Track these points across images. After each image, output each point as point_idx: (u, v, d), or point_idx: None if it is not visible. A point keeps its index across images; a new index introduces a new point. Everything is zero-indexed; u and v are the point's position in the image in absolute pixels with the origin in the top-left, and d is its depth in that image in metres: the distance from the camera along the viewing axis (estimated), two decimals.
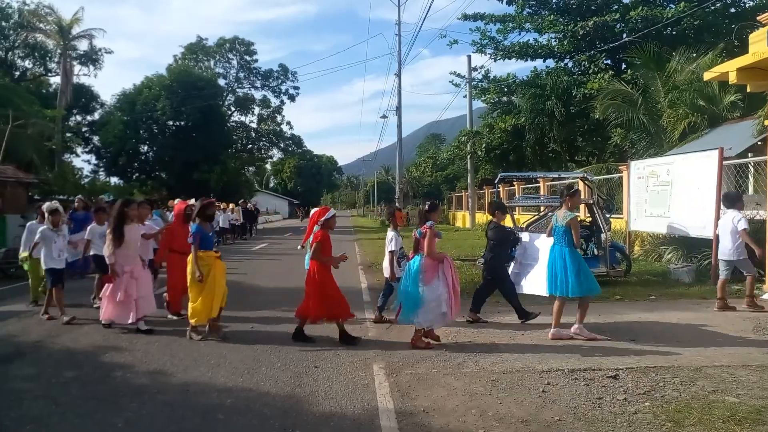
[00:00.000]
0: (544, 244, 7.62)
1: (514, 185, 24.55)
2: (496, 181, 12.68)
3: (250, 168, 62.83)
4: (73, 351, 6.43)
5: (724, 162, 9.96)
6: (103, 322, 7.44)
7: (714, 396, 4.60)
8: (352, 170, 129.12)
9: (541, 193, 19.88)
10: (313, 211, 6.95)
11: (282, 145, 62.34)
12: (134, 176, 45.90)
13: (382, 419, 4.30)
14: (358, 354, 6.10)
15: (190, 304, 6.88)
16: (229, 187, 42.68)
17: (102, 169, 46.40)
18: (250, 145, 59.50)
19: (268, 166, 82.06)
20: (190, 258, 6.90)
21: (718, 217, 9.64)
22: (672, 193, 10.75)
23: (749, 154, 12.07)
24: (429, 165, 40.44)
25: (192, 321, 6.86)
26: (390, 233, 7.78)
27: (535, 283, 7.66)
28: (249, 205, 30.02)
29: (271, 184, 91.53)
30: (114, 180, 45.69)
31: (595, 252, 10.38)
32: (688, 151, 12.02)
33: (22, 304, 9.22)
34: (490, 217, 7.99)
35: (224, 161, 45.05)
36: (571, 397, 4.66)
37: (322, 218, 6.62)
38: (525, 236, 8.41)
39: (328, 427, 4.19)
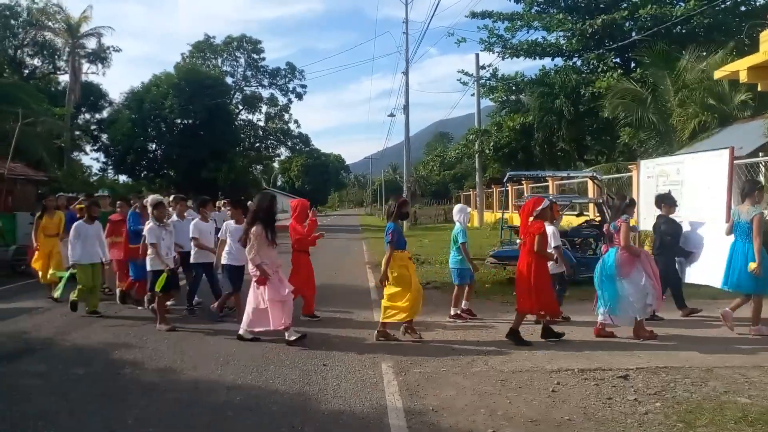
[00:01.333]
0: (707, 231, 7.68)
1: (522, 184, 24.47)
2: (504, 180, 12.64)
3: (258, 166, 62.95)
4: (83, 348, 6.46)
5: (734, 161, 9.88)
6: (246, 335, 6.60)
7: (726, 397, 4.56)
8: (359, 169, 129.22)
9: (551, 192, 19.78)
10: (523, 202, 6.89)
11: (289, 143, 62.37)
12: (142, 174, 46.07)
13: (391, 418, 4.29)
14: (366, 353, 6.10)
15: (395, 303, 6.49)
16: (236, 185, 42.77)
17: (110, 167, 46.64)
18: (257, 144, 59.57)
19: (276, 165, 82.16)
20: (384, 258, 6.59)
21: (729, 217, 9.58)
22: (682, 192, 10.63)
23: (760, 154, 11.97)
24: (437, 164, 40.33)
25: (396, 318, 6.53)
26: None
27: (701, 272, 7.62)
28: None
29: (279, 183, 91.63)
30: (122, 178, 45.96)
31: None
32: (699, 151, 11.92)
33: (31, 301, 9.28)
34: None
35: (232, 159, 45.14)
36: (581, 397, 4.63)
37: (537, 208, 6.48)
38: (686, 225, 8.27)
39: (337, 425, 4.19)
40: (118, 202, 9.90)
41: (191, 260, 8.30)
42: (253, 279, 6.47)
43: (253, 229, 6.38)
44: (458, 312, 7.78)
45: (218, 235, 8.15)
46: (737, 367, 5.34)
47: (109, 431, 4.14)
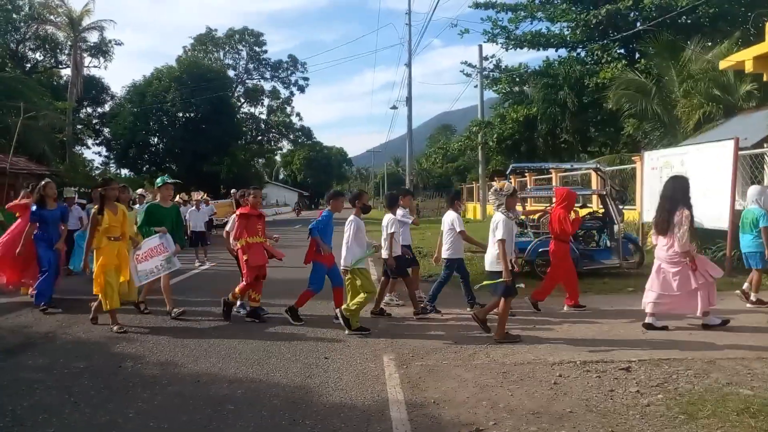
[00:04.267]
0: None
1: (525, 176, 24.40)
2: (507, 172, 12.62)
3: (260, 160, 63.04)
4: (84, 342, 6.46)
5: (739, 152, 9.83)
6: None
7: (728, 388, 4.54)
8: (362, 162, 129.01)
9: (554, 184, 19.72)
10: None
11: (291, 136, 62.48)
12: (144, 168, 46.21)
13: (393, 410, 4.28)
14: (368, 345, 6.10)
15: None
16: (238, 178, 42.86)
17: (112, 160, 46.82)
18: (259, 137, 59.64)
19: (278, 158, 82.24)
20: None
21: (733, 208, 9.52)
22: None
23: (765, 145, 11.89)
24: (439, 156, 40.28)
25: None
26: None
27: None
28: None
29: (281, 176, 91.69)
30: (124, 172, 46.06)
31: (608, 244, 10.29)
32: (703, 142, 11.87)
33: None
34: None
35: (234, 153, 45.21)
36: (582, 389, 4.62)
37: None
38: None
39: (338, 418, 4.18)
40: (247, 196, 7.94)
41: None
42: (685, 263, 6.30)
43: (684, 213, 6.18)
44: (760, 299, 7.64)
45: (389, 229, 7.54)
46: (740, 358, 5.31)
47: (111, 424, 4.14)
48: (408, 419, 4.13)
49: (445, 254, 7.80)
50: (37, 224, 8.16)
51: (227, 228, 8.03)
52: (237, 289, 7.34)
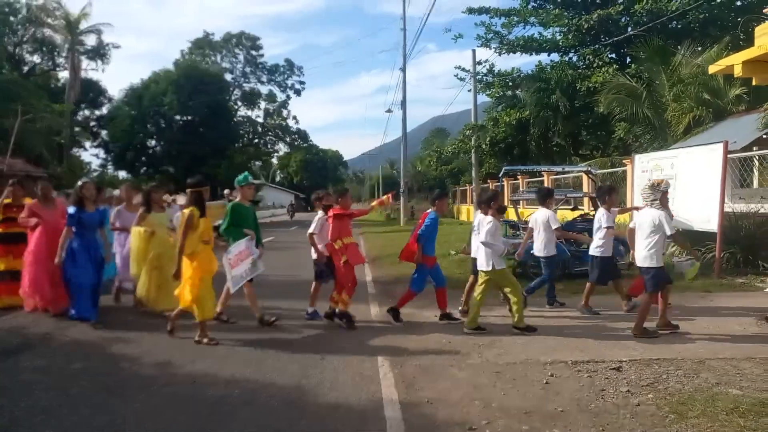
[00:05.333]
0: None
1: (518, 179, 24.51)
2: (500, 175, 12.70)
3: (257, 162, 63.10)
4: (81, 342, 6.50)
5: (728, 155, 9.95)
6: None
7: (717, 388, 4.62)
8: (357, 165, 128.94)
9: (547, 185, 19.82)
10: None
11: (288, 139, 62.58)
12: (142, 170, 46.15)
13: (387, 410, 4.35)
14: (363, 346, 6.16)
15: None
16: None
17: (110, 163, 46.78)
18: (256, 140, 59.69)
19: (275, 161, 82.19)
20: None
21: (722, 210, 9.64)
22: (676, 186, 10.74)
23: (754, 148, 12.05)
24: (434, 159, 40.32)
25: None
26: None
27: None
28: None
29: (278, 179, 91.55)
30: (122, 174, 45.97)
31: None
32: (693, 145, 11.99)
33: None
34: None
35: (231, 156, 45.29)
36: (574, 389, 4.70)
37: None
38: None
39: (334, 418, 4.24)
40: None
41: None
42: None
43: None
44: None
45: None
46: (729, 358, 5.39)
47: (108, 425, 4.19)
48: (402, 419, 4.19)
49: (541, 253, 7.87)
50: (74, 229, 7.29)
51: (311, 230, 7.41)
52: (344, 295, 6.98)
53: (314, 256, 7.46)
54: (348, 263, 6.95)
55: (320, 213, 7.55)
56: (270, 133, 60.57)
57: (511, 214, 12.37)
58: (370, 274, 11.59)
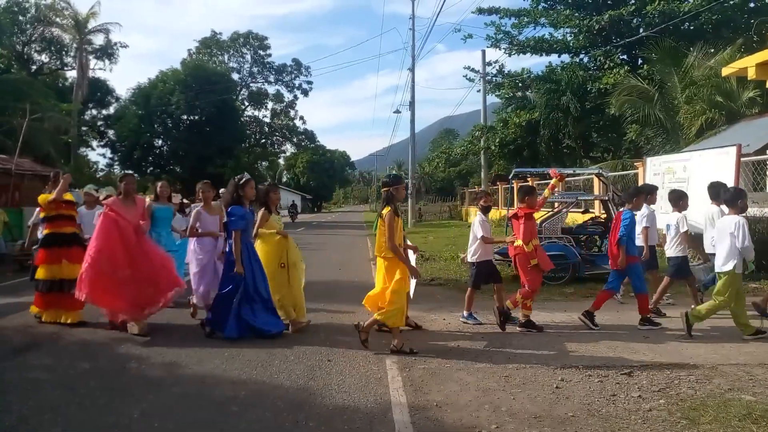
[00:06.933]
0: None
1: (528, 181, 24.43)
2: (510, 177, 12.66)
3: (264, 163, 63.21)
4: (89, 342, 6.50)
5: (741, 159, 9.84)
6: None
7: (730, 394, 4.56)
8: (364, 165, 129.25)
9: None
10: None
11: (295, 139, 62.69)
12: (149, 170, 46.33)
13: (395, 413, 4.31)
14: (371, 348, 6.10)
15: None
16: None
17: (117, 162, 46.93)
18: (263, 140, 59.85)
19: (281, 161, 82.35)
20: None
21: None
22: (688, 189, 10.63)
23: (767, 151, 11.91)
24: (442, 160, 40.25)
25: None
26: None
27: None
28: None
29: (284, 179, 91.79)
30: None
31: None
32: (706, 148, 11.89)
33: None
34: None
35: (238, 156, 45.40)
36: (584, 394, 4.64)
37: None
38: None
39: (341, 420, 4.21)
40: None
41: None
42: None
43: None
44: None
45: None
46: (741, 364, 5.33)
47: (116, 424, 4.17)
48: (410, 422, 4.15)
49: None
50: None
51: (479, 234, 7.01)
52: (519, 295, 6.68)
53: (470, 258, 7.12)
54: (537, 267, 6.61)
55: (479, 216, 7.13)
56: (277, 134, 60.71)
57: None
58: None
